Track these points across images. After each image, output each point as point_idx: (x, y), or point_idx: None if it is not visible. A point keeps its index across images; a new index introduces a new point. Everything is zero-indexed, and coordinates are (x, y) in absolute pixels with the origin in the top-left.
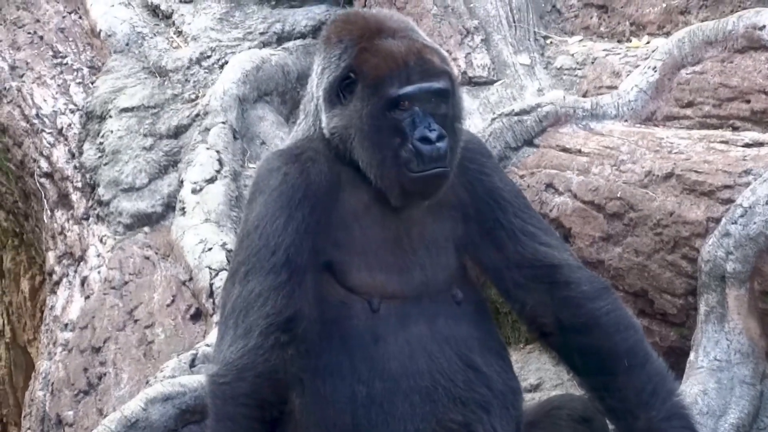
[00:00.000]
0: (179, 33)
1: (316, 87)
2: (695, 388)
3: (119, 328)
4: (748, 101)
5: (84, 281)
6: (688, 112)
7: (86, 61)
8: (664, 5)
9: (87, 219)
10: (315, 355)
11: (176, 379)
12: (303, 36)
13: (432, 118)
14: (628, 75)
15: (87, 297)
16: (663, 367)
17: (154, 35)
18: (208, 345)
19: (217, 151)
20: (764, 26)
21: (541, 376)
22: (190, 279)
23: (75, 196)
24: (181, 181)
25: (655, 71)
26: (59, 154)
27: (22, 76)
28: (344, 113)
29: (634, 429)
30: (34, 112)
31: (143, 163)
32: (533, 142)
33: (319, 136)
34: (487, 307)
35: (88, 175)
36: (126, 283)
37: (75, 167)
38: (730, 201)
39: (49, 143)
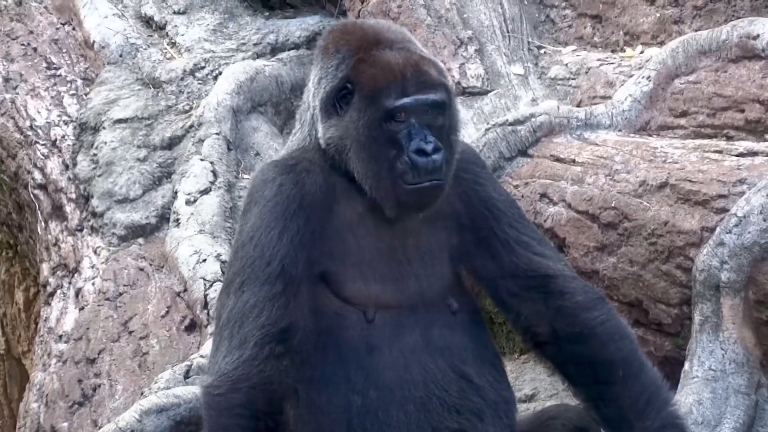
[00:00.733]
0: (173, 44)
1: (312, 97)
2: (690, 397)
3: (114, 339)
4: (743, 110)
5: (78, 293)
6: (683, 121)
7: (80, 73)
8: (658, 15)
9: (81, 230)
10: (310, 365)
11: (171, 391)
12: (297, 47)
13: (428, 130)
14: (622, 85)
15: (81, 308)
16: (658, 376)
17: (148, 46)
18: (202, 356)
19: (211, 162)
20: (758, 36)
21: (535, 386)
22: (185, 290)
23: (69, 208)
24: (175, 193)
25: (649, 81)
26: (53, 165)
27: (15, 88)
28: (340, 124)
29: None
30: (27, 123)
31: (137, 174)
32: (527, 152)
33: (314, 146)
34: (481, 316)
35: (82, 187)
36: (120, 294)
37: (69, 179)
38: (724, 210)
39: (43, 155)
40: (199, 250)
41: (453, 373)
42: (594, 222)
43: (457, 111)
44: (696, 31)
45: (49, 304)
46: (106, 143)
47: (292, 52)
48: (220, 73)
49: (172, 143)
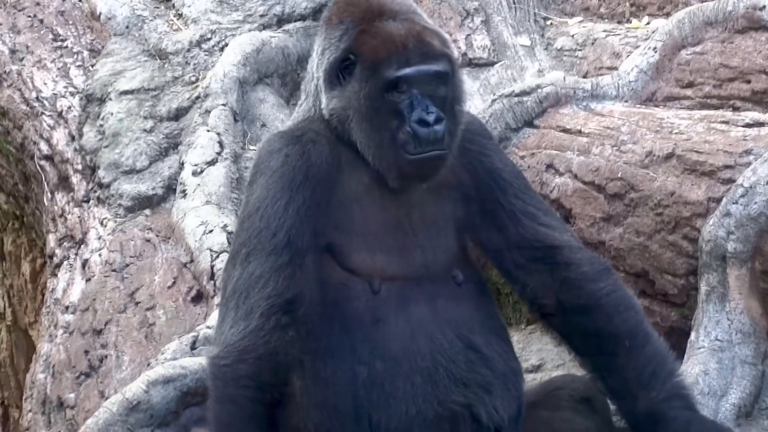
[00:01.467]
0: (179, 16)
1: (316, 68)
2: (696, 368)
3: (120, 310)
4: (749, 81)
5: (85, 264)
6: (689, 92)
7: (86, 44)
8: None
9: (87, 201)
10: (316, 336)
11: (177, 362)
12: (303, 18)
13: (430, 100)
14: (628, 56)
15: (88, 279)
16: (663, 347)
17: (154, 18)
18: (209, 327)
19: (218, 134)
20: (764, 6)
21: (542, 357)
22: (191, 261)
23: (75, 179)
24: (182, 164)
25: (656, 52)
26: (59, 136)
27: (22, 60)
28: (343, 95)
29: (635, 409)
30: (34, 95)
31: (143, 145)
32: (533, 123)
33: (319, 117)
34: (487, 288)
35: (88, 158)
36: (127, 265)
37: (75, 150)
38: (730, 181)
39: (49, 126)
40: (205, 221)
41: (461, 343)
42: (600, 193)
43: (461, 81)
44: (702, 2)
45: (56, 276)
46: (112, 114)
47: (299, 24)
48: (227, 45)
49: (178, 114)
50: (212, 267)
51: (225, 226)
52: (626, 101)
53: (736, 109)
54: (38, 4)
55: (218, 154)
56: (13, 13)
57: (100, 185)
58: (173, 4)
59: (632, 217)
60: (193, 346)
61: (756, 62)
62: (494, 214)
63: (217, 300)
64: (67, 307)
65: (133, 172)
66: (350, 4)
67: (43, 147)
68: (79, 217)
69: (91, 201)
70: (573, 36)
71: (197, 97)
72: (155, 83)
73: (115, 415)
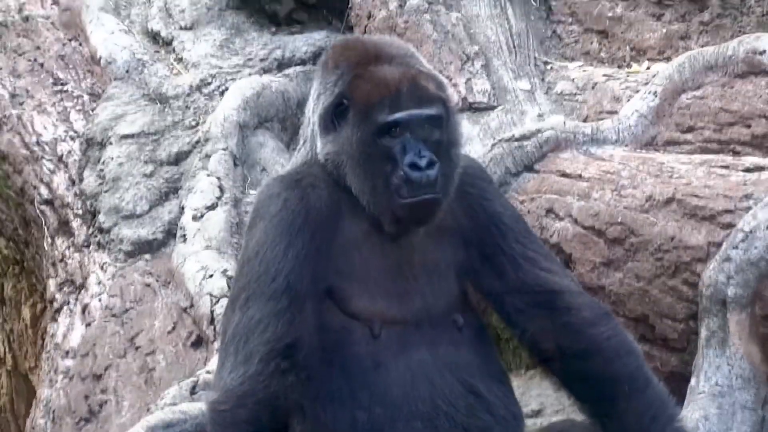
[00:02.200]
0: (179, 60)
1: (312, 112)
2: (696, 413)
3: (120, 355)
4: (749, 126)
5: (85, 309)
6: (689, 136)
7: (86, 88)
8: (665, 31)
9: (88, 246)
10: (316, 381)
11: (177, 407)
12: (303, 62)
13: (424, 144)
14: (628, 100)
15: (88, 324)
16: (664, 392)
17: (155, 62)
18: (209, 372)
19: (218, 178)
20: (764, 51)
21: (542, 402)
22: (191, 306)
23: (75, 223)
24: (182, 208)
25: (656, 96)
26: (59, 181)
27: (22, 104)
28: (337, 140)
29: None
30: (34, 139)
31: (144, 190)
32: (533, 168)
33: (316, 161)
34: (488, 332)
35: (88, 202)
36: (127, 310)
37: (75, 194)
38: (731, 226)
39: (50, 170)
40: (205, 265)
41: (461, 388)
42: (600, 237)
43: (457, 125)
44: (702, 46)
45: (56, 320)
46: (112, 159)
47: (299, 68)
48: (227, 89)
49: (178, 159)
50: (212, 312)
51: (225, 270)
52: (626, 145)
53: (736, 153)
54: (39, 48)
55: (218, 198)
56: (13, 57)
57: (101, 230)
58: (173, 49)
59: (632, 262)
60: (192, 391)
61: (756, 107)
62: (495, 258)
63: (217, 345)
64: (67, 352)
65: (133, 216)
66: (347, 48)
67: (44, 191)
68: (79, 261)
69: (92, 246)
70: (573, 80)
71: (197, 142)
72: (155, 127)
73: None
